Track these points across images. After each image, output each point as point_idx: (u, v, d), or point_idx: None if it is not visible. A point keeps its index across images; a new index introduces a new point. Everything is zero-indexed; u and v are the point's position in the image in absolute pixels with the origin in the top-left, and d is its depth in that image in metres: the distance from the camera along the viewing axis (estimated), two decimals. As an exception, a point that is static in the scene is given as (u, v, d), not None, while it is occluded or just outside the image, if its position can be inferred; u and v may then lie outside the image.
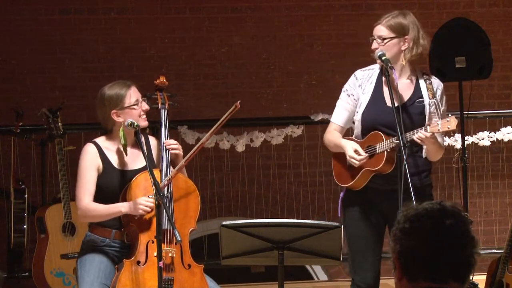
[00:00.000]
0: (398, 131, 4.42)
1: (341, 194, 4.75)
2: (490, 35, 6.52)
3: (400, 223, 2.41)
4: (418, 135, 4.49)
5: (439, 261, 2.34)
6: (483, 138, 7.29)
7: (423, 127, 4.54)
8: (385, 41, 4.63)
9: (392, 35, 4.63)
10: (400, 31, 4.63)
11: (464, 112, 6.49)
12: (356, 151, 4.61)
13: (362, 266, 4.72)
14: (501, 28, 8.40)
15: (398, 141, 4.42)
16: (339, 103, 4.81)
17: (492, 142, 7.34)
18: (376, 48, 4.63)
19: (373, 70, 4.75)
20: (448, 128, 4.48)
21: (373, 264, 4.73)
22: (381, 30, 4.65)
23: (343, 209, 4.77)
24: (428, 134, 4.48)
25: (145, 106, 4.60)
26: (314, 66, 8.21)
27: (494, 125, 7.44)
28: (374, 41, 4.65)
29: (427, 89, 4.69)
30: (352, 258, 4.72)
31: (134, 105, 4.55)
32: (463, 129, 6.54)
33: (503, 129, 7.33)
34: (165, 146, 4.62)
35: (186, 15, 8.21)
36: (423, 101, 4.66)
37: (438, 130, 4.48)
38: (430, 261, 2.34)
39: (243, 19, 8.26)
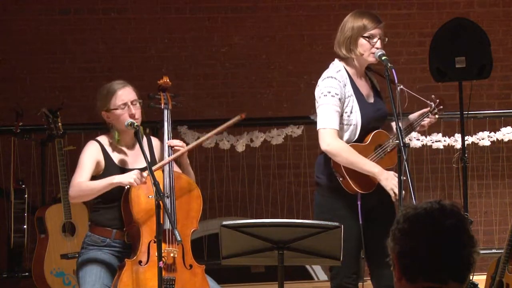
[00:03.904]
0: (398, 131, 4.42)
1: (359, 203, 4.59)
2: (490, 35, 6.51)
3: (400, 223, 2.40)
4: (430, 120, 4.81)
5: (439, 261, 2.34)
6: (483, 138, 7.28)
7: (423, 114, 4.80)
8: (384, 41, 4.67)
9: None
10: None
11: (464, 112, 6.48)
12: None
13: (353, 268, 4.72)
14: (501, 28, 8.40)
15: (398, 141, 4.43)
16: (329, 108, 4.56)
17: (492, 142, 7.33)
18: (381, 48, 4.63)
19: (341, 71, 4.69)
20: (441, 107, 4.81)
21: (360, 266, 4.76)
22: (383, 30, 4.67)
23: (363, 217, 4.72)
24: (435, 119, 4.82)
25: (132, 110, 4.52)
26: (314, 66, 8.18)
27: (494, 125, 7.44)
28: (379, 41, 4.64)
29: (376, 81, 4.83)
30: (344, 260, 4.62)
31: (116, 109, 4.52)
32: (463, 129, 6.53)
33: (503, 129, 7.32)
34: (170, 146, 4.61)
35: (186, 15, 8.21)
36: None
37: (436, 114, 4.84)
38: (429, 262, 2.34)
39: (243, 19, 8.26)
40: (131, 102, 4.54)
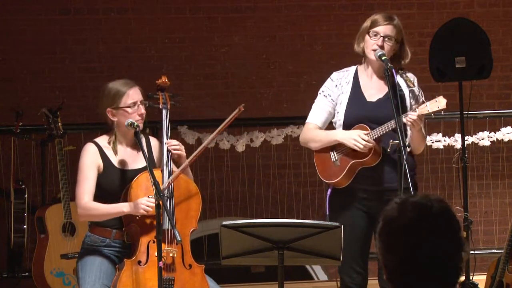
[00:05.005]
0: (398, 132, 4.43)
1: (328, 192, 4.72)
2: (490, 35, 6.51)
3: (382, 234, 2.29)
4: (409, 117, 4.51)
5: (427, 272, 2.24)
6: (483, 138, 7.28)
7: (411, 110, 4.61)
8: (392, 41, 4.66)
9: (398, 37, 4.68)
10: (400, 35, 4.69)
11: (464, 112, 6.48)
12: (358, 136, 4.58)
13: (352, 267, 4.72)
14: (501, 28, 8.40)
15: (396, 140, 4.44)
16: (316, 105, 4.83)
17: (492, 142, 7.33)
18: (381, 46, 4.63)
19: (349, 72, 4.82)
20: (438, 107, 4.52)
21: (362, 266, 4.75)
22: (392, 30, 4.67)
23: (331, 209, 4.75)
24: (416, 116, 4.48)
25: (141, 110, 4.57)
26: (314, 66, 8.21)
27: (494, 125, 7.44)
28: (381, 39, 4.65)
29: (405, 81, 4.73)
30: (346, 260, 4.63)
31: (128, 107, 4.52)
32: (463, 129, 6.53)
33: (503, 129, 7.32)
34: (167, 146, 4.61)
35: (186, 15, 8.21)
36: (402, 92, 4.67)
37: (428, 111, 4.52)
38: (417, 274, 2.25)
39: (243, 19, 8.26)
40: (140, 102, 4.56)
